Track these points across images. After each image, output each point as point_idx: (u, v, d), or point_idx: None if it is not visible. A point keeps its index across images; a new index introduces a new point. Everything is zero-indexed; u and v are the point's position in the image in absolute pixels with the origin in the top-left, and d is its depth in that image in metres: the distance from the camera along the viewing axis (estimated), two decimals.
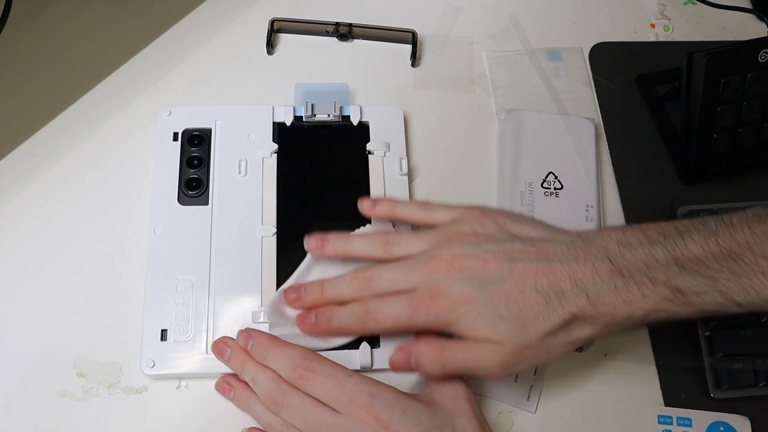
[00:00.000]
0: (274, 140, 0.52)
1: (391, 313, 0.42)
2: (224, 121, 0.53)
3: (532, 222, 0.45)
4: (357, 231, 0.47)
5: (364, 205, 0.47)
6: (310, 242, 0.46)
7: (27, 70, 0.56)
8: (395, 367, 0.43)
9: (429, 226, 0.46)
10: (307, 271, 0.47)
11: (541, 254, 0.41)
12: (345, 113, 0.54)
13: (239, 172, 0.51)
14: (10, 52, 0.56)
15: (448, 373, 0.42)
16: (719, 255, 0.39)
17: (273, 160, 0.52)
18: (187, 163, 0.51)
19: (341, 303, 0.44)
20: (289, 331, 0.45)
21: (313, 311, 0.45)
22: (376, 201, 0.47)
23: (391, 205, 0.47)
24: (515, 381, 0.48)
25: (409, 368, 0.42)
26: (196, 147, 0.52)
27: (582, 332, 0.41)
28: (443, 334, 0.42)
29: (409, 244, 0.45)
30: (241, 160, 0.51)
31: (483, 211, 0.45)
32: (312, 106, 0.53)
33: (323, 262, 0.47)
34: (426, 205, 0.47)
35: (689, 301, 0.39)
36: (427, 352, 0.42)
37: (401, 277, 0.43)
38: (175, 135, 0.52)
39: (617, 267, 0.40)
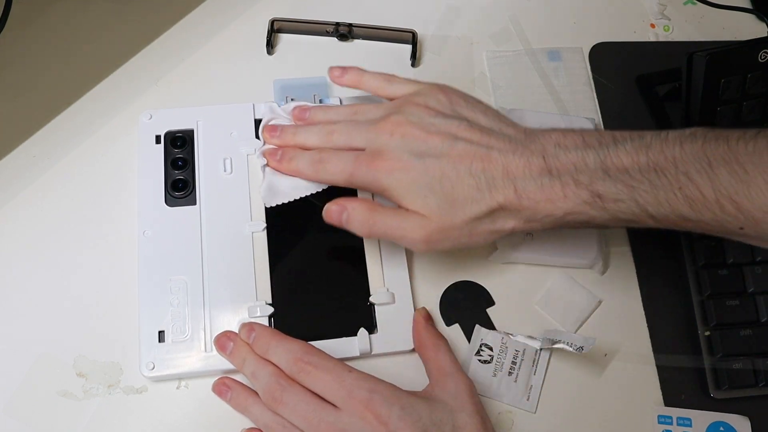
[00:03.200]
0: (257, 137, 0.52)
1: (337, 166, 0.45)
2: (206, 121, 0.53)
3: (486, 109, 0.46)
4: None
5: (334, 73, 0.50)
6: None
7: (27, 70, 0.56)
8: (327, 217, 0.45)
9: (390, 99, 0.48)
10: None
11: (483, 140, 0.43)
12: None
13: (224, 170, 0.51)
14: (10, 52, 0.56)
15: (374, 235, 0.44)
16: (645, 166, 0.40)
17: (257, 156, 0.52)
18: (171, 165, 0.51)
19: (308, 149, 0.47)
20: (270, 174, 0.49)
21: (281, 149, 0.49)
22: (345, 69, 0.50)
23: (359, 75, 0.49)
24: (515, 381, 0.48)
25: (339, 222, 0.44)
26: (179, 148, 0.52)
27: (506, 223, 0.43)
28: None
29: (370, 110, 0.47)
30: (226, 158, 0.51)
31: (442, 87, 0.47)
32: (292, 100, 0.53)
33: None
34: (390, 77, 0.49)
35: (606, 207, 0.40)
36: (360, 210, 0.44)
37: (354, 134, 0.46)
38: (158, 138, 0.52)
39: (548, 166, 0.41)
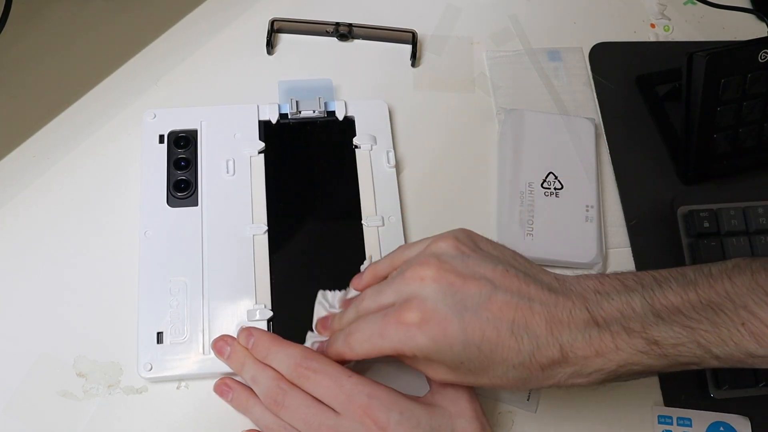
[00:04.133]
0: (260, 139, 0.52)
1: (365, 331, 0.40)
2: (209, 122, 0.53)
3: (514, 253, 0.42)
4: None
5: (354, 282, 0.45)
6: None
7: (27, 70, 0.56)
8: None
9: None
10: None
11: (523, 289, 0.38)
12: (330, 109, 0.54)
13: (227, 172, 0.51)
14: (10, 52, 0.56)
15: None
16: (698, 304, 0.37)
17: (260, 159, 0.52)
18: (174, 165, 0.51)
19: None
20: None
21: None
22: (361, 274, 0.45)
23: (372, 269, 0.44)
24: None
25: None
26: (182, 148, 0.52)
27: (542, 382, 0.39)
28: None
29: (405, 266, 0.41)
30: (229, 159, 0.51)
31: (465, 230, 0.42)
32: (297, 103, 0.53)
33: None
34: (404, 245, 0.44)
35: (665, 353, 0.37)
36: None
37: (383, 289, 0.41)
38: (161, 137, 0.52)
39: (593, 316, 0.38)
